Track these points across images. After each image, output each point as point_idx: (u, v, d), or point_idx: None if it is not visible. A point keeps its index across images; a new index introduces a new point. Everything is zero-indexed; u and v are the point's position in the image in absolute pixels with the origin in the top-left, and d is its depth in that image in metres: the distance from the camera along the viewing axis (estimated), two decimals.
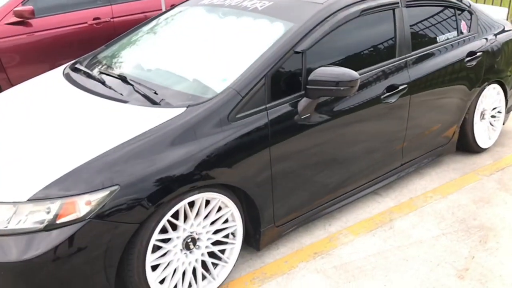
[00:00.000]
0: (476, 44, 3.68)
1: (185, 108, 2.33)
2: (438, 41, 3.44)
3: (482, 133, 3.95)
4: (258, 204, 2.52)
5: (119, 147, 2.12)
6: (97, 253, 2.02)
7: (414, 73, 3.18)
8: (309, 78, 2.53)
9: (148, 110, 2.38)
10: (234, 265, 2.58)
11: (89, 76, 2.86)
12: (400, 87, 3.06)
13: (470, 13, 3.73)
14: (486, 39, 3.78)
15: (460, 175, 3.69)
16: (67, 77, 2.93)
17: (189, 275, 2.38)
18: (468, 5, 3.73)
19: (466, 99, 3.64)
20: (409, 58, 3.18)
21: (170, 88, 2.58)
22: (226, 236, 2.51)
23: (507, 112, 4.14)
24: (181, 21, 3.23)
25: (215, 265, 2.50)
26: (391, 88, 3.03)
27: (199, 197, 2.28)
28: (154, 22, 3.36)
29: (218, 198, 2.35)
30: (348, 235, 2.98)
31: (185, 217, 2.32)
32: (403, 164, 3.39)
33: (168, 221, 2.23)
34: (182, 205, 2.22)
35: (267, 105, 2.49)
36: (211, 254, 2.48)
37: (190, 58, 2.82)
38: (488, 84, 3.82)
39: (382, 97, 2.97)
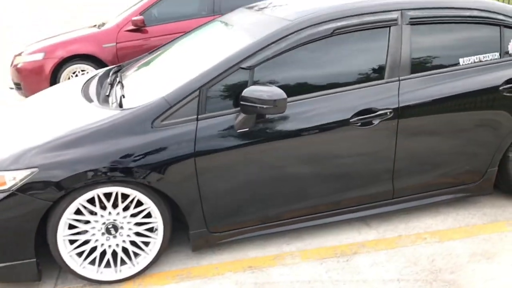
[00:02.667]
0: None
1: (118, 111, 2.68)
2: (460, 63, 2.99)
3: None
4: (183, 208, 2.71)
5: (54, 139, 2.59)
6: (18, 218, 2.54)
7: (408, 97, 2.87)
8: (242, 94, 2.59)
9: (98, 110, 2.80)
10: (170, 259, 2.81)
11: (101, 78, 3.43)
12: (379, 112, 2.81)
13: None
14: None
15: (485, 222, 3.13)
16: (90, 77, 3.55)
17: (108, 256, 2.72)
18: None
19: (504, 133, 3.06)
20: (404, 81, 2.88)
21: (139, 95, 2.94)
22: (151, 230, 2.77)
23: None
24: (191, 35, 3.56)
25: (137, 254, 2.79)
26: (367, 111, 2.81)
27: (113, 190, 2.60)
28: (184, 36, 3.75)
29: (134, 194, 2.63)
30: (296, 258, 2.89)
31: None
32: (397, 197, 3.07)
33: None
34: (95, 193, 2.58)
35: (199, 116, 2.65)
36: (136, 243, 2.78)
37: (171, 69, 3.13)
38: None
39: (351, 120, 2.79)
